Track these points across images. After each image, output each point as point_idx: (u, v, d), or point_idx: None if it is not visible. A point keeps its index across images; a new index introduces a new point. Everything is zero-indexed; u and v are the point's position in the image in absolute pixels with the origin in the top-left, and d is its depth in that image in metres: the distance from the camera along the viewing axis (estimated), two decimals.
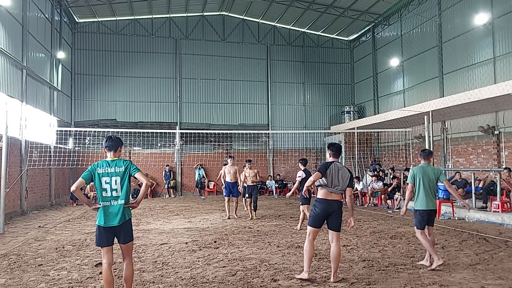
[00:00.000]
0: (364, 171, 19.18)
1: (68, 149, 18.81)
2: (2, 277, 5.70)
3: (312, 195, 8.56)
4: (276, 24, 23.89)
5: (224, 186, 11.95)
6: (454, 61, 16.27)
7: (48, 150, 16.13)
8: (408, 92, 19.50)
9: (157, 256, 6.90)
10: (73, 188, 4.35)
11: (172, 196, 20.73)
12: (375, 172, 16.74)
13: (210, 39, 22.95)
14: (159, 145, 21.61)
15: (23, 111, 13.67)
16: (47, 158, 15.62)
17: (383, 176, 15.96)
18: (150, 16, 22.08)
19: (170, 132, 20.80)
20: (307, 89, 24.35)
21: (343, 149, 21.31)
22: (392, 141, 20.27)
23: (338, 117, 24.10)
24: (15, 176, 12.50)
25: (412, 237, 8.34)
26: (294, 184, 9.78)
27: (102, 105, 21.29)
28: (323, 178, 5.29)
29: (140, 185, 16.99)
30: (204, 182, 21.56)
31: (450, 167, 15.85)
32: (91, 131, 18.60)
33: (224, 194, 12.16)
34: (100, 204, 4.36)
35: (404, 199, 13.87)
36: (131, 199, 4.56)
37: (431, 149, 12.43)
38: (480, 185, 12.30)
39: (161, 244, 7.93)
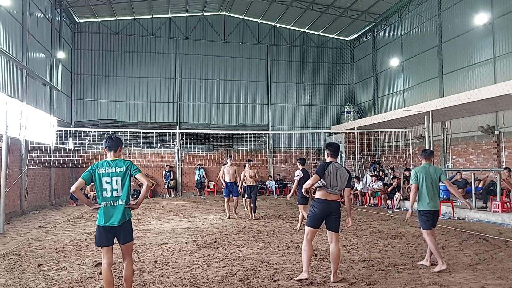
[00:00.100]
0: (364, 171, 19.18)
1: (68, 149, 18.81)
2: (2, 277, 5.70)
3: (312, 194, 8.56)
4: (276, 24, 23.89)
5: (224, 185, 11.92)
6: (454, 61, 16.27)
7: (48, 150, 16.13)
8: (408, 92, 19.50)
9: (157, 256, 6.90)
10: (73, 188, 4.35)
11: (172, 196, 20.73)
12: (375, 172, 16.74)
13: (210, 39, 22.96)
14: (159, 145, 21.61)
15: (23, 111, 13.67)
16: (47, 158, 15.62)
17: (383, 176, 15.96)
18: (150, 16, 22.08)
19: (170, 132, 20.80)
20: (307, 89, 24.35)
21: (343, 149, 21.43)
22: (392, 141, 20.27)
23: (338, 117, 24.10)
24: (15, 176, 12.50)
25: (412, 237, 8.35)
26: (294, 183, 9.77)
27: (102, 105, 21.29)
28: (321, 179, 5.27)
29: (140, 185, 17.02)
30: (204, 182, 21.56)
31: (450, 167, 15.85)
32: (91, 131, 18.60)
33: (223, 194, 12.16)
34: (100, 204, 4.36)
35: (404, 199, 13.95)
36: (131, 199, 4.56)
37: (431, 149, 12.42)
38: (480, 185, 12.29)
39: (161, 244, 7.93)
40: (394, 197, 14.04)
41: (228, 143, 22.41)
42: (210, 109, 22.65)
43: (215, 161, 21.13)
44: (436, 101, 14.69)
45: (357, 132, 19.77)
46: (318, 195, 5.35)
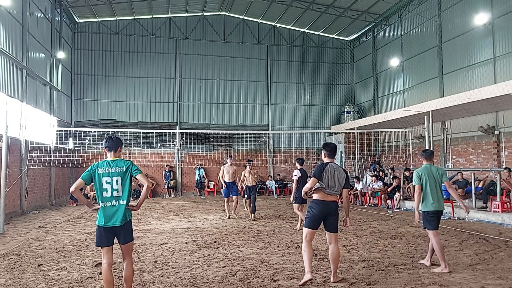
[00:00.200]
0: (364, 171, 19.18)
1: (68, 149, 18.81)
2: (2, 277, 5.70)
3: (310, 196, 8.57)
4: (276, 24, 23.89)
5: (224, 186, 11.88)
6: (454, 61, 16.27)
7: (48, 150, 16.13)
8: (408, 92, 19.50)
9: (157, 256, 6.90)
10: (72, 188, 4.35)
11: (172, 196, 20.73)
12: (375, 172, 16.74)
13: (210, 39, 22.96)
14: (159, 145, 21.61)
15: (23, 111, 13.67)
16: (47, 158, 15.62)
17: (383, 176, 15.96)
18: (150, 16, 22.08)
19: (170, 132, 20.81)
20: (307, 89, 24.35)
21: (342, 149, 21.44)
22: (392, 141, 20.27)
23: (338, 117, 24.10)
24: (15, 176, 12.50)
25: (412, 237, 8.35)
26: (293, 184, 9.79)
27: (102, 105, 21.29)
28: (319, 181, 5.21)
29: (140, 185, 17.01)
30: (204, 182, 21.56)
31: (450, 167, 15.85)
32: (91, 131, 18.60)
33: (223, 195, 12.14)
34: (99, 205, 4.36)
35: (404, 199, 13.95)
36: (131, 199, 4.56)
37: (432, 149, 12.41)
38: (480, 185, 12.29)
39: (161, 244, 7.93)
40: (394, 197, 14.04)
41: (228, 143, 22.42)
42: (210, 109, 22.65)
43: (215, 161, 21.13)
44: (436, 101, 14.69)
45: (357, 132, 19.77)
46: (316, 196, 5.30)
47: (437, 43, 17.23)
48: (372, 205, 15.07)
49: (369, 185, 15.53)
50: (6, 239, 8.71)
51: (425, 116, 13.45)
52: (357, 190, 15.88)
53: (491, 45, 14.44)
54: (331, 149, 5.48)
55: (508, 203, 11.00)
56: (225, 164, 12.24)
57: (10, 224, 10.85)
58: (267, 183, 21.80)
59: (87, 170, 4.41)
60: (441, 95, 16.48)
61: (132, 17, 21.78)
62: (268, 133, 22.54)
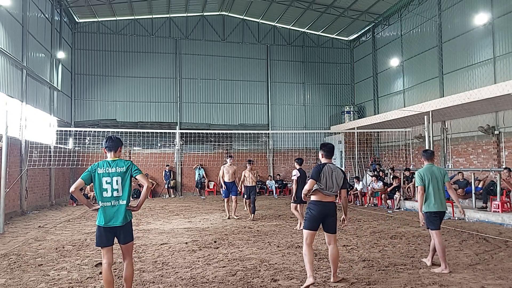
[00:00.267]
0: (364, 171, 19.18)
1: (68, 149, 18.82)
2: (2, 277, 5.71)
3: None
4: (276, 24, 23.89)
5: (224, 187, 11.87)
6: (454, 61, 16.27)
7: (48, 150, 16.13)
8: (408, 92, 19.50)
9: (157, 256, 6.90)
10: (72, 189, 4.34)
11: (172, 196, 20.73)
12: (375, 172, 16.74)
13: (210, 39, 22.96)
14: (159, 145, 21.62)
15: (23, 111, 13.67)
16: (47, 158, 15.62)
17: (383, 176, 15.96)
18: (150, 16, 22.08)
19: (170, 132, 20.81)
20: (307, 89, 24.35)
21: (342, 149, 21.44)
22: (392, 141, 20.27)
23: (338, 117, 24.10)
24: (15, 176, 12.50)
25: (412, 237, 8.35)
26: (293, 183, 9.81)
27: (102, 105, 21.29)
28: (317, 182, 5.17)
29: (140, 185, 17.01)
30: (204, 182, 21.56)
31: (450, 167, 15.85)
32: (91, 131, 18.60)
33: (222, 195, 12.13)
34: (99, 205, 4.36)
35: (404, 199, 13.95)
36: (131, 199, 4.56)
37: (432, 149, 12.41)
38: (480, 185, 12.29)
39: (161, 244, 7.94)
40: (394, 197, 14.04)
41: (228, 143, 22.42)
42: (210, 109, 22.65)
43: (215, 161, 21.13)
44: (436, 101, 14.69)
45: (357, 132, 19.77)
46: (314, 197, 5.23)
47: (437, 43, 17.23)
48: (372, 205, 15.06)
49: (369, 185, 15.53)
50: (6, 239, 8.71)
51: (425, 116, 13.45)
52: (357, 190, 15.88)
53: (491, 45, 14.44)
54: (328, 150, 5.43)
55: (508, 203, 11.00)
56: (225, 164, 12.24)
57: (10, 224, 10.85)
58: (267, 183, 21.80)
59: (87, 170, 4.41)
60: (441, 95, 16.48)
61: (132, 17, 21.78)
62: (268, 133, 22.54)
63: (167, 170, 20.83)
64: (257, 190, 16.33)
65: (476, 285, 5.06)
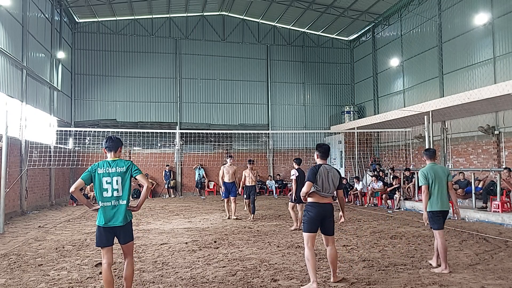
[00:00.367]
0: (364, 171, 19.18)
1: (68, 149, 18.81)
2: (2, 277, 5.70)
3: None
4: (276, 24, 23.89)
5: (223, 189, 11.86)
6: (454, 61, 16.27)
7: (48, 150, 16.13)
8: (408, 92, 19.50)
9: (157, 256, 6.90)
10: (72, 189, 4.35)
11: (172, 196, 20.73)
12: (375, 172, 16.74)
13: (210, 39, 22.96)
14: (159, 145, 21.61)
15: (23, 111, 13.67)
16: (47, 158, 15.62)
17: (383, 176, 15.96)
18: (150, 16, 22.08)
19: (170, 132, 20.81)
20: (307, 89, 24.35)
21: (342, 149, 21.44)
22: (392, 141, 20.27)
23: (338, 117, 24.10)
24: (15, 176, 12.50)
25: (412, 237, 8.35)
26: (293, 183, 9.85)
27: (102, 105, 21.29)
28: (314, 184, 5.14)
29: (140, 185, 17.01)
30: (204, 182, 21.56)
31: (450, 167, 15.84)
32: (91, 131, 18.60)
33: (222, 196, 12.11)
34: (99, 205, 4.36)
35: (404, 199, 13.95)
36: (131, 199, 4.56)
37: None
38: (480, 185, 12.29)
39: (161, 244, 7.93)
40: (394, 197, 14.04)
41: (228, 143, 22.42)
42: (210, 109, 22.65)
43: (215, 161, 21.13)
44: (436, 101, 14.69)
45: (357, 132, 19.77)
46: (311, 199, 5.19)
47: (437, 43, 17.23)
48: (372, 205, 15.07)
49: (369, 185, 15.53)
50: (6, 239, 8.71)
51: (425, 116, 13.45)
52: (357, 190, 15.89)
53: (491, 45, 14.44)
54: (324, 150, 5.38)
55: (508, 203, 11.00)
56: (225, 164, 12.23)
57: (10, 224, 10.85)
58: (267, 183, 21.80)
59: (87, 171, 4.41)
60: (441, 95, 16.48)
61: (132, 17, 21.78)
62: (268, 133, 22.54)
63: (167, 170, 20.83)
64: (257, 190, 16.33)
65: (476, 285, 5.06)
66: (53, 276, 5.71)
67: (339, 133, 21.89)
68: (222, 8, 22.57)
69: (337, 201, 5.53)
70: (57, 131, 17.45)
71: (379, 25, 21.84)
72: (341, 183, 5.32)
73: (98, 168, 4.39)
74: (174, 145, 21.57)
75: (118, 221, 4.32)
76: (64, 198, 17.84)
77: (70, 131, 18.92)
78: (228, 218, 11.65)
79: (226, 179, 11.75)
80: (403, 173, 15.08)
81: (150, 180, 16.21)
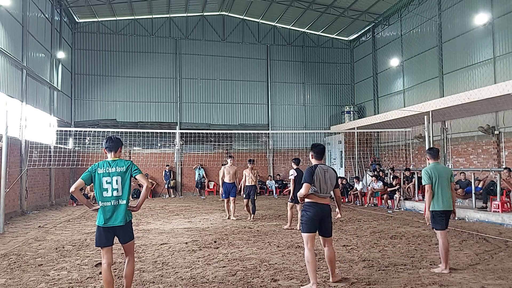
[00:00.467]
0: (364, 171, 19.18)
1: (68, 149, 18.81)
2: (2, 277, 5.70)
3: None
4: (276, 24, 23.89)
5: (222, 191, 11.87)
6: (454, 61, 16.27)
7: (48, 150, 16.13)
8: (408, 92, 19.50)
9: (157, 256, 6.90)
10: (72, 189, 4.35)
11: (172, 196, 20.73)
12: (375, 172, 16.74)
13: (210, 39, 22.96)
14: (159, 145, 21.61)
15: (23, 111, 13.67)
16: (47, 158, 15.62)
17: (383, 176, 15.95)
18: (150, 16, 22.08)
19: (170, 132, 20.81)
20: (307, 89, 24.35)
21: (342, 149, 21.43)
22: (392, 141, 20.27)
23: (338, 117, 24.10)
24: (15, 176, 12.49)
25: (412, 237, 8.34)
26: (291, 183, 9.90)
27: (102, 105, 21.29)
28: (312, 185, 5.11)
29: (140, 185, 17.01)
30: (204, 182, 21.56)
31: (450, 167, 15.85)
32: (91, 131, 18.59)
33: (222, 196, 12.11)
34: (99, 205, 4.36)
35: (404, 199, 13.95)
36: (130, 199, 4.57)
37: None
38: (480, 185, 12.29)
39: (161, 244, 7.93)
40: (394, 197, 14.04)
41: (228, 143, 22.42)
42: (210, 109, 22.65)
43: (215, 161, 21.13)
44: (436, 101, 14.69)
45: (357, 132, 19.77)
46: (309, 199, 5.16)
47: (437, 43, 17.23)
48: (372, 205, 15.07)
49: (369, 185, 15.52)
50: (6, 239, 8.71)
51: (425, 116, 13.45)
52: (357, 190, 15.88)
53: (491, 45, 14.44)
54: (319, 151, 5.33)
55: (508, 203, 10.99)
56: (225, 164, 12.22)
57: (10, 224, 10.85)
58: (267, 183, 21.80)
59: (87, 171, 4.42)
60: (441, 95, 16.48)
61: (132, 17, 21.78)
62: (268, 133, 22.54)
63: (167, 170, 20.83)
64: (258, 190, 16.32)
65: (476, 285, 5.06)
66: (53, 276, 5.72)
67: (339, 133, 21.89)
68: (222, 8, 22.57)
69: (334, 199, 5.55)
70: (57, 131, 17.45)
71: (379, 25, 21.84)
72: (337, 183, 5.34)
73: (98, 168, 4.39)
74: (174, 145, 21.57)
75: (117, 221, 4.32)
76: (64, 198, 17.84)
77: (70, 131, 18.92)
78: (228, 218, 11.65)
79: (227, 180, 11.75)
80: (403, 173, 15.08)
81: (150, 180, 16.22)
